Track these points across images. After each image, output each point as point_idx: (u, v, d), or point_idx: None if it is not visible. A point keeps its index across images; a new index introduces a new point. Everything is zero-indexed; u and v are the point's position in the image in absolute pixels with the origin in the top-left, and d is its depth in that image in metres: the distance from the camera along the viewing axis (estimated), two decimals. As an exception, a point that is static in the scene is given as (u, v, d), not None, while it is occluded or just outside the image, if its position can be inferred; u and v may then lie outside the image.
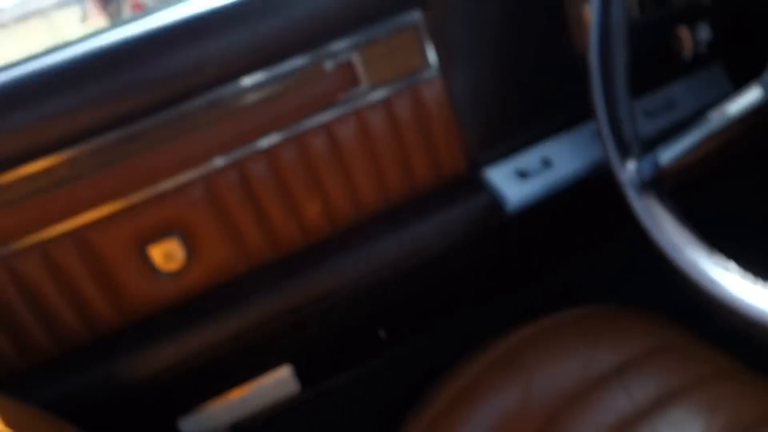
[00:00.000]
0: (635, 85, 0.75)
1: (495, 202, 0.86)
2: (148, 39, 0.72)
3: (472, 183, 0.87)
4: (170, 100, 0.73)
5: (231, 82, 0.74)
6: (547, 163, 0.88)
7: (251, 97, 0.75)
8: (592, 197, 0.87)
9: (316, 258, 0.84)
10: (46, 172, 0.72)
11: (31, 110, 0.70)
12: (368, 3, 0.77)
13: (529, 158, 0.88)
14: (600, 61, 0.61)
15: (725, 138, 0.58)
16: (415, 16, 0.79)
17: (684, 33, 0.87)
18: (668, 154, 0.59)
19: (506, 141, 0.89)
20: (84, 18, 3.35)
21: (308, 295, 0.83)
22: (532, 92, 0.88)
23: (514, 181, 0.87)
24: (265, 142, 0.78)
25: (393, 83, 0.80)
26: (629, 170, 0.61)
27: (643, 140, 0.71)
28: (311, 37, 0.76)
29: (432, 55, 0.81)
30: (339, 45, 0.77)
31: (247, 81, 0.75)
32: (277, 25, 0.75)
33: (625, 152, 0.61)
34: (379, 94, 0.80)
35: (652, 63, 0.89)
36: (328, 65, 0.77)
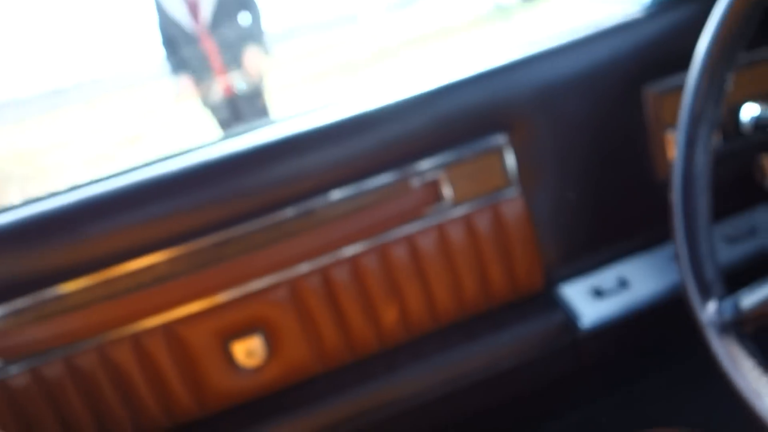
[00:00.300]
0: (717, 209, 0.75)
1: (569, 319, 0.86)
2: (252, 153, 0.78)
3: (548, 299, 0.89)
4: (266, 209, 0.78)
5: (323, 194, 0.79)
6: (623, 283, 0.88)
7: (341, 209, 0.80)
8: (668, 320, 0.86)
9: (390, 364, 0.86)
10: (148, 269, 0.77)
11: (141, 212, 0.77)
12: (456, 127, 0.82)
13: (605, 277, 0.89)
14: (682, 202, 0.62)
15: None
16: (500, 138, 0.82)
17: (766, 161, 0.87)
18: (751, 299, 0.59)
19: (583, 259, 0.90)
20: (177, 95, 3.58)
21: (380, 400, 0.85)
22: (612, 213, 0.90)
23: (590, 300, 0.87)
24: (350, 250, 0.81)
25: (475, 200, 0.83)
26: (709, 311, 0.61)
27: (724, 271, 0.71)
28: (400, 156, 0.81)
29: (514, 175, 0.84)
30: (426, 164, 0.81)
31: (338, 194, 0.80)
32: (369, 144, 0.80)
33: (706, 292, 0.62)
34: (461, 210, 0.83)
35: (735, 189, 0.89)
36: (415, 182, 0.81)
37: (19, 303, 0.76)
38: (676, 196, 0.62)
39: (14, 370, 0.77)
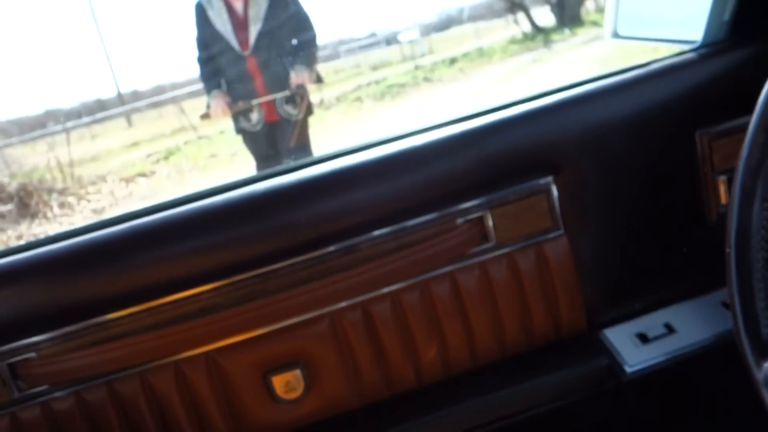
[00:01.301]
0: None
1: (613, 363, 0.85)
2: (298, 188, 0.79)
3: (591, 342, 0.87)
4: (310, 245, 0.79)
5: (369, 232, 0.79)
6: (670, 329, 0.86)
7: (385, 247, 0.80)
8: (715, 369, 0.84)
9: (428, 402, 0.85)
10: (192, 300, 0.78)
11: (187, 244, 0.78)
12: (502, 167, 0.81)
13: (651, 322, 0.87)
14: (736, 257, 0.61)
15: None
16: (546, 179, 0.82)
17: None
18: None
19: (629, 303, 0.88)
20: (205, 114, 3.39)
21: None
22: (659, 257, 0.88)
23: (635, 345, 0.86)
24: (392, 286, 0.81)
25: (519, 240, 0.83)
26: (765, 369, 0.59)
27: None
28: (446, 194, 0.81)
29: (559, 217, 0.83)
30: (472, 203, 0.81)
31: (383, 231, 0.80)
32: (415, 182, 0.80)
33: (761, 351, 0.60)
34: (505, 249, 0.83)
35: None
36: (460, 221, 0.81)
37: (66, 330, 0.77)
38: (730, 251, 0.60)
39: (58, 393, 0.79)
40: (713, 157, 0.84)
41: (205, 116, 3.31)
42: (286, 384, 0.82)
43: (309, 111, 3.28)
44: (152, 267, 0.78)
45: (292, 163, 0.84)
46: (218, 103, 3.16)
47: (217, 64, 3.21)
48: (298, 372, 0.82)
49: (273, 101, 3.10)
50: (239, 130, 3.32)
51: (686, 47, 0.91)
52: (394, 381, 0.85)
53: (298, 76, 3.07)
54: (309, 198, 0.79)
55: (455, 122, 0.84)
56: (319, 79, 3.24)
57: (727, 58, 0.86)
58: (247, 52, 3.09)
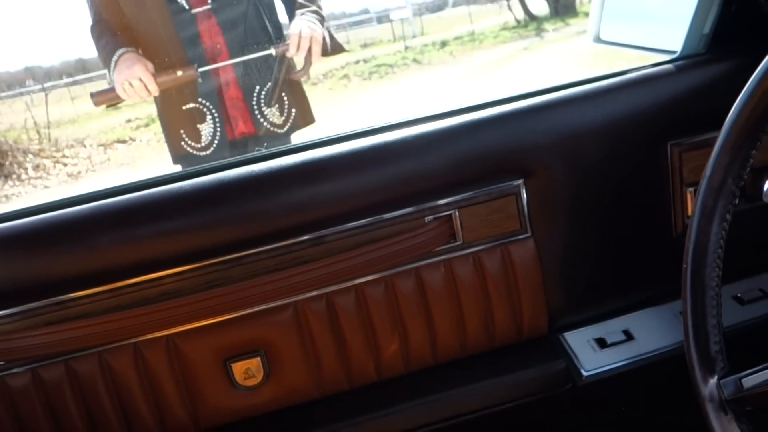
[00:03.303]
0: (735, 268, 0.74)
1: (571, 367, 0.86)
2: (269, 177, 0.78)
3: (551, 344, 0.88)
4: (279, 234, 0.78)
5: (337, 224, 0.79)
6: (628, 336, 0.88)
7: (353, 240, 0.80)
8: (669, 377, 0.85)
9: (387, 396, 0.85)
10: (156, 284, 0.78)
11: (154, 227, 0.77)
12: (474, 168, 0.81)
13: (610, 328, 0.89)
14: (692, 274, 0.62)
15: None
16: (517, 182, 0.82)
17: (785, 224, 0.86)
18: (754, 379, 0.59)
19: (590, 308, 0.90)
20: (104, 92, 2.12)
21: (374, 431, 0.85)
22: (623, 264, 0.89)
23: (593, 349, 0.87)
24: (358, 279, 0.82)
25: (486, 240, 0.83)
26: (710, 386, 0.61)
27: (730, 333, 0.70)
28: (416, 191, 0.81)
29: (528, 219, 0.84)
30: (442, 201, 0.81)
31: (353, 224, 0.80)
32: (387, 177, 0.80)
33: (708, 367, 0.61)
34: (471, 249, 0.83)
35: (750, 249, 0.89)
36: (429, 218, 0.81)
37: (26, 307, 0.76)
38: (687, 268, 0.61)
39: (15, 369, 0.78)
40: (683, 169, 0.85)
41: (104, 99, 1.69)
42: (246, 371, 0.82)
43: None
44: (117, 248, 0.77)
45: (264, 151, 0.83)
46: (131, 72, 1.58)
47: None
48: (258, 360, 0.82)
49: (245, 104, 1.68)
50: (177, 159, 1.77)
51: (665, 57, 0.92)
52: (354, 373, 0.85)
53: (304, 28, 1.60)
54: (279, 187, 0.78)
55: (429, 119, 0.84)
56: (336, 48, 1.70)
57: (704, 71, 0.87)
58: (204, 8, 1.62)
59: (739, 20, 0.89)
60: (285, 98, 1.73)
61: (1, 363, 0.78)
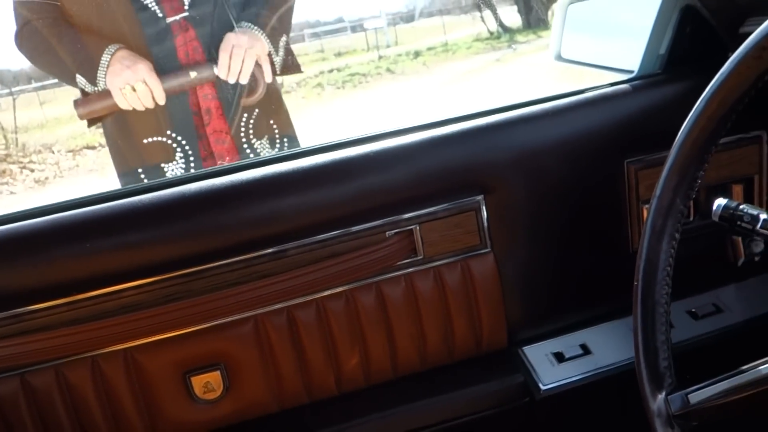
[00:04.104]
0: (687, 283, 0.75)
1: (529, 380, 0.87)
2: (230, 190, 0.79)
3: (510, 358, 0.89)
4: (240, 248, 0.78)
5: (298, 238, 0.79)
6: (585, 350, 0.89)
7: (314, 254, 0.80)
8: (625, 391, 0.87)
9: (347, 409, 0.86)
10: (114, 297, 0.77)
11: (113, 240, 0.77)
12: (435, 183, 0.82)
13: (568, 342, 0.90)
14: (642, 292, 0.63)
15: (757, 394, 0.59)
16: (477, 198, 0.83)
17: (738, 241, 0.89)
18: (700, 395, 0.60)
19: (548, 323, 0.91)
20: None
21: None
22: (580, 280, 0.91)
23: (551, 363, 0.88)
24: (319, 293, 0.82)
25: (447, 255, 0.84)
26: (658, 401, 0.62)
27: (682, 348, 0.71)
28: (377, 206, 0.81)
29: (487, 235, 0.85)
30: (402, 216, 0.82)
31: (313, 238, 0.80)
32: (348, 191, 0.81)
33: (657, 383, 0.63)
34: (432, 263, 0.84)
35: (703, 265, 0.91)
36: (390, 233, 0.82)
37: None
38: (637, 285, 0.63)
39: None
40: (639, 186, 0.87)
41: (95, 109, 1.36)
42: (206, 384, 0.82)
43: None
44: (75, 261, 0.76)
45: (224, 165, 0.83)
46: (134, 73, 1.30)
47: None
48: (218, 373, 0.82)
49: (232, 138, 1.44)
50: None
51: (623, 76, 0.94)
52: (314, 387, 0.86)
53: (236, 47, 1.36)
54: (241, 201, 0.78)
55: (391, 135, 0.85)
56: (289, 67, 1.49)
57: (659, 91, 0.89)
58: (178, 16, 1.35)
59: (693, 41, 0.92)
60: (274, 126, 1.46)
61: None
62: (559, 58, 1.11)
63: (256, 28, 1.37)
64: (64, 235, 0.76)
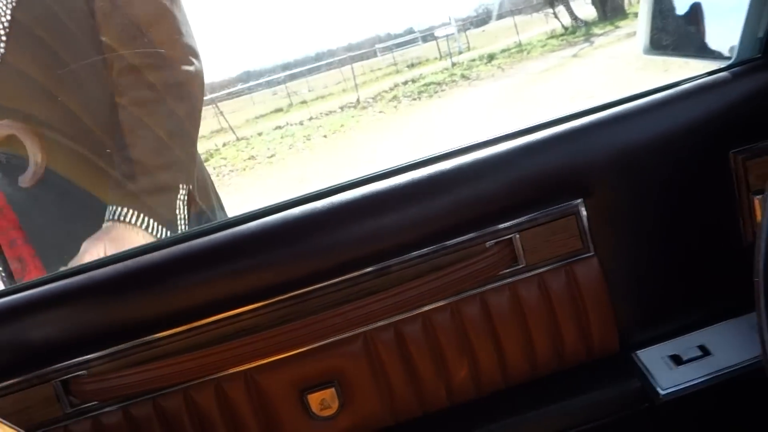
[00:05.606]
0: None
1: (646, 386, 0.85)
2: (332, 212, 0.81)
3: (624, 363, 0.87)
4: (345, 267, 0.81)
5: (399, 254, 0.81)
6: (705, 351, 0.86)
7: (416, 269, 0.82)
8: (752, 392, 0.83)
9: (460, 421, 0.86)
10: (232, 322, 0.81)
11: (226, 267, 0.81)
12: (532, 190, 0.82)
13: (686, 344, 0.87)
14: (765, 286, 0.61)
15: None
16: (577, 201, 0.82)
17: None
18: None
19: (662, 324, 0.88)
20: None
21: None
22: (693, 277, 0.88)
23: (668, 367, 0.85)
24: (424, 307, 0.83)
25: (550, 262, 0.84)
26: None
27: None
28: (476, 217, 0.82)
29: (589, 238, 0.84)
30: (501, 225, 0.82)
31: (415, 254, 0.81)
32: (445, 205, 0.82)
33: None
34: (535, 271, 0.84)
35: None
36: (490, 243, 0.82)
37: (114, 349, 0.81)
38: (758, 282, 0.60)
39: (107, 408, 0.83)
40: (748, 176, 0.84)
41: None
42: (322, 402, 0.85)
43: None
44: (194, 289, 0.81)
45: (324, 188, 0.86)
46: None
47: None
48: (333, 390, 0.84)
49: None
50: None
51: (720, 64, 0.90)
52: (426, 399, 0.87)
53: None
54: (341, 222, 0.81)
55: (483, 145, 0.85)
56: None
57: (761, 76, 0.85)
58: None
59: None
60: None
61: (95, 403, 0.83)
62: (649, 51, 1.08)
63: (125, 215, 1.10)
64: (183, 266, 0.82)
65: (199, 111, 1.19)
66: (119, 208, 1.11)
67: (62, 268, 0.96)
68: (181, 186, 1.15)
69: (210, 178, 1.33)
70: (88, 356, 0.81)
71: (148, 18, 1.12)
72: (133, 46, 1.11)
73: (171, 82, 1.15)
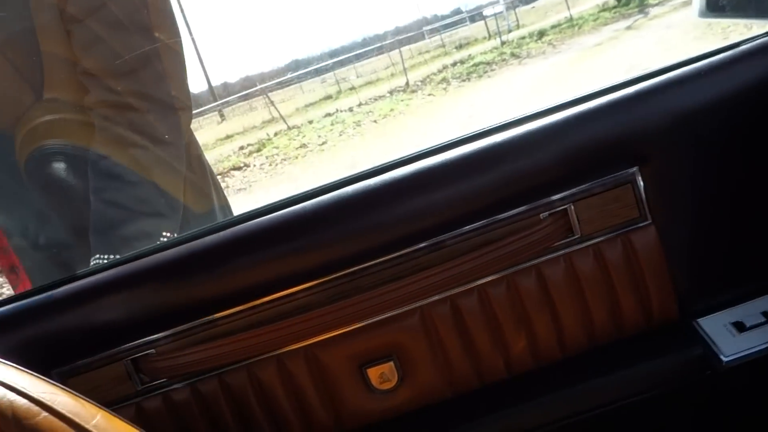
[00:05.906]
0: None
1: (708, 353, 0.83)
2: (385, 189, 0.82)
3: (685, 332, 0.86)
4: (399, 243, 0.82)
5: (452, 229, 0.82)
6: None
7: (470, 243, 0.82)
8: None
9: (518, 392, 0.87)
10: (290, 299, 0.84)
11: (284, 247, 0.83)
12: (586, 160, 0.81)
13: (748, 311, 0.85)
14: None
15: None
16: (632, 171, 0.81)
17: None
18: None
19: (723, 291, 0.86)
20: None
21: (508, 427, 0.86)
22: (756, 243, 0.85)
23: (731, 334, 0.83)
24: (479, 280, 0.84)
25: (605, 232, 0.83)
26: None
27: None
28: (529, 189, 0.82)
29: (646, 207, 0.82)
30: (555, 196, 0.81)
31: (468, 227, 0.82)
32: (498, 177, 0.82)
33: None
34: (590, 241, 0.83)
35: None
36: (544, 215, 0.82)
37: (179, 328, 0.85)
38: None
39: (176, 385, 0.87)
40: None
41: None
42: (381, 375, 0.87)
43: None
44: (253, 269, 0.84)
45: (378, 165, 0.87)
46: None
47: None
48: (391, 364, 0.86)
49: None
50: None
51: (782, 22, 0.87)
52: (484, 371, 0.87)
53: None
54: (395, 198, 0.82)
55: (534, 117, 0.85)
56: None
57: None
58: None
59: None
60: None
61: (164, 380, 0.87)
62: (704, 14, 1.04)
63: None
64: (241, 247, 0.84)
65: None
66: None
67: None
68: None
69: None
70: (155, 336, 0.85)
71: None
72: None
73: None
